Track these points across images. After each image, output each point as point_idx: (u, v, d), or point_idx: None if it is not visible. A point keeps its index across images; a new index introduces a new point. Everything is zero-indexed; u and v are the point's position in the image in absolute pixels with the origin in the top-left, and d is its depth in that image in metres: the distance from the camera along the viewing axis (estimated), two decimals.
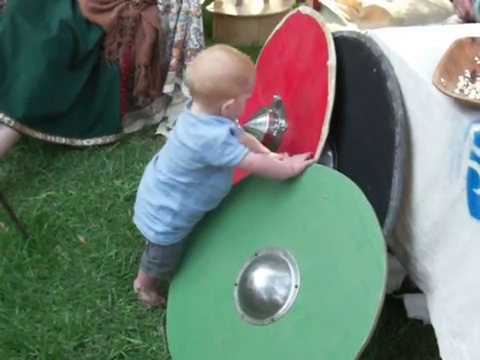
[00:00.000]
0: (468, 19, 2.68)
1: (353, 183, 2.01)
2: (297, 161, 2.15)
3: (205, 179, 2.14)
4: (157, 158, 2.25)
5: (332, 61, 2.18)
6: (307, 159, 2.15)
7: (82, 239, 2.73)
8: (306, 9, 2.47)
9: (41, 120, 3.12)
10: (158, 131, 3.52)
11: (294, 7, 4.39)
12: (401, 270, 2.18)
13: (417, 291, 2.10)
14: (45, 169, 3.15)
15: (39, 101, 3.06)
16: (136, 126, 3.53)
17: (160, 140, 3.45)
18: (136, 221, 2.33)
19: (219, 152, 2.04)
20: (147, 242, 2.34)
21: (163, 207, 2.19)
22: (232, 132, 2.06)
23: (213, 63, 2.04)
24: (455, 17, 2.88)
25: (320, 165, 2.16)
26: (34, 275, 2.52)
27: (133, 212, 2.81)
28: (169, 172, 2.15)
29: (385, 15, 3.76)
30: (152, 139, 3.47)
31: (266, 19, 4.33)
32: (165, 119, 3.58)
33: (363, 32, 2.24)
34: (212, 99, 2.05)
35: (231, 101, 2.04)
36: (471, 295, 1.73)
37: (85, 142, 3.31)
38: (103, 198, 2.97)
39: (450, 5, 3.10)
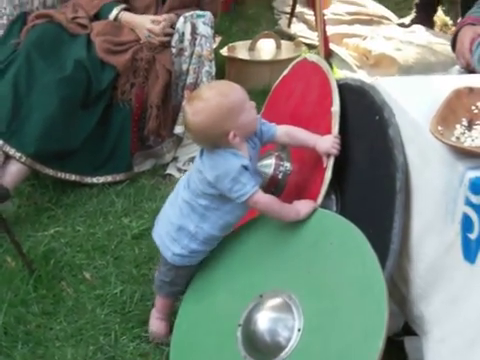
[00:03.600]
0: (469, 69, 2.72)
1: (358, 230, 2.02)
2: (303, 206, 2.16)
3: (221, 205, 2.17)
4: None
5: (336, 107, 2.23)
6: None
7: (88, 276, 2.73)
8: (312, 56, 2.54)
9: (52, 157, 3.15)
10: (168, 171, 3.54)
11: (305, 53, 4.47)
12: None
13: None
14: (54, 205, 3.17)
15: (51, 138, 3.09)
16: (146, 165, 3.55)
17: (170, 180, 3.47)
18: (156, 237, 2.34)
19: (228, 187, 2.08)
20: (160, 260, 2.36)
21: (182, 228, 2.22)
22: (246, 168, 2.08)
23: (195, 117, 2.08)
24: (458, 67, 2.92)
25: (327, 211, 2.18)
26: (38, 310, 2.52)
27: (140, 250, 2.87)
28: (191, 192, 2.20)
29: (394, 63, 3.82)
30: (162, 178, 3.49)
31: (277, 64, 4.36)
32: (175, 159, 3.60)
33: (372, 79, 2.27)
34: (216, 143, 2.11)
35: (232, 133, 2.07)
36: (465, 337, 1.74)
37: (95, 180, 3.32)
38: (111, 235, 2.98)
39: None
